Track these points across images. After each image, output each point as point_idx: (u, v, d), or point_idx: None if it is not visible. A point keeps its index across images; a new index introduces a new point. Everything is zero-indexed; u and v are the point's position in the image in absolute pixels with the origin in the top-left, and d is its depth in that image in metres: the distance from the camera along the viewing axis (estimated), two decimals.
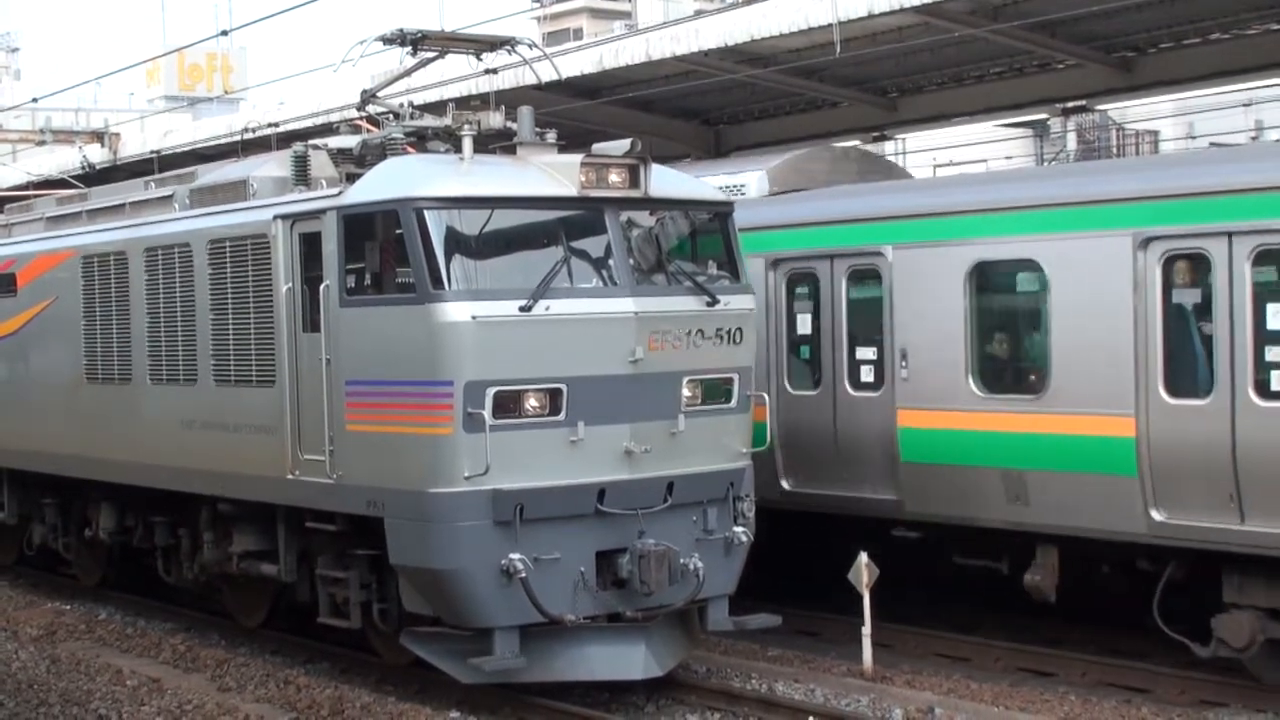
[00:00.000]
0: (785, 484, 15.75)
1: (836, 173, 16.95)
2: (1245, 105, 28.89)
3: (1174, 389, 12.76)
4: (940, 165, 30.61)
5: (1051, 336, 13.59)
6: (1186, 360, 12.83)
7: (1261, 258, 12.29)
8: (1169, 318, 12.88)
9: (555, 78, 17.26)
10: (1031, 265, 13.83)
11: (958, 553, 14.86)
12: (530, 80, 16.81)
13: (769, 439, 15.15)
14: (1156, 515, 12.86)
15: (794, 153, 17.63)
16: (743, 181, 16.61)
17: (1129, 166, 15.05)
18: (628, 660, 12.48)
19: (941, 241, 14.38)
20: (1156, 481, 12.81)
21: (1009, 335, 14.52)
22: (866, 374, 15.10)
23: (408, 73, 14.65)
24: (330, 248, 12.74)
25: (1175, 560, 13.17)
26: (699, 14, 21.77)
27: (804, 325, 15.74)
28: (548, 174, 12.47)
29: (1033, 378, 13.98)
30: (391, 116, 13.89)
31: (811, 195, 16.29)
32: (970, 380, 14.15)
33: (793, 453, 15.66)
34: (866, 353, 15.11)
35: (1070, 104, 20.43)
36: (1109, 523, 13.21)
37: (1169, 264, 12.83)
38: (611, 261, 12.40)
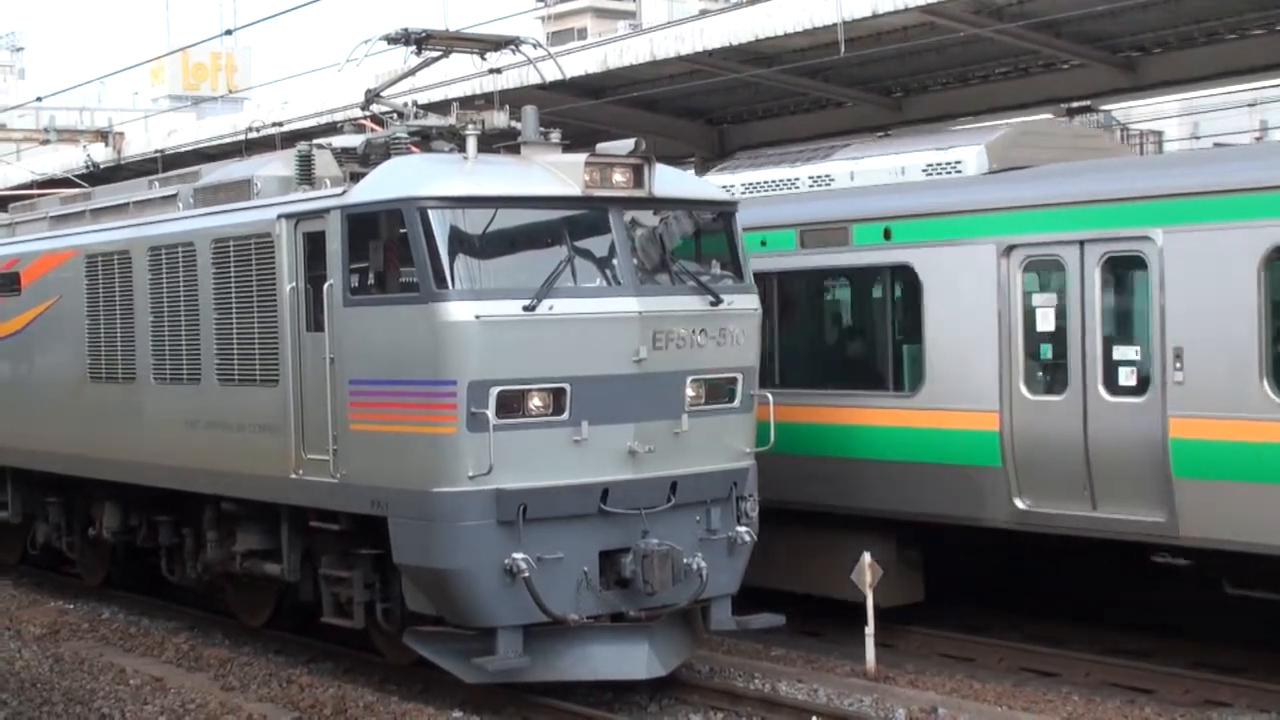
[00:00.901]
0: (1020, 503, 13.88)
1: (1063, 147, 15.09)
2: (1250, 105, 28.89)
3: None
4: None
5: None
6: None
7: None
8: None
9: (559, 77, 17.24)
10: None
11: (1231, 582, 12.98)
12: (534, 80, 16.82)
13: (1000, 453, 13.86)
14: None
15: (1013, 125, 15.84)
16: (957, 158, 14.95)
17: None
18: (631, 660, 12.47)
19: (1228, 223, 12.44)
20: None
21: None
22: (1126, 377, 13.18)
23: (412, 72, 14.65)
24: (334, 247, 12.73)
25: None
26: (703, 14, 21.75)
27: (1044, 321, 13.79)
28: (552, 173, 12.46)
29: None
30: (396, 116, 13.90)
31: (1052, 171, 14.21)
32: (1266, 384, 12.24)
33: (1030, 467, 13.77)
34: (1126, 352, 13.22)
35: (1075, 104, 20.38)
36: None
37: None
38: (615, 261, 12.39)
